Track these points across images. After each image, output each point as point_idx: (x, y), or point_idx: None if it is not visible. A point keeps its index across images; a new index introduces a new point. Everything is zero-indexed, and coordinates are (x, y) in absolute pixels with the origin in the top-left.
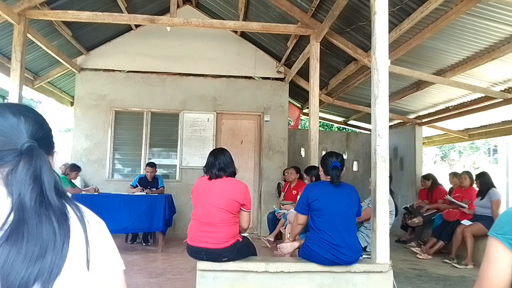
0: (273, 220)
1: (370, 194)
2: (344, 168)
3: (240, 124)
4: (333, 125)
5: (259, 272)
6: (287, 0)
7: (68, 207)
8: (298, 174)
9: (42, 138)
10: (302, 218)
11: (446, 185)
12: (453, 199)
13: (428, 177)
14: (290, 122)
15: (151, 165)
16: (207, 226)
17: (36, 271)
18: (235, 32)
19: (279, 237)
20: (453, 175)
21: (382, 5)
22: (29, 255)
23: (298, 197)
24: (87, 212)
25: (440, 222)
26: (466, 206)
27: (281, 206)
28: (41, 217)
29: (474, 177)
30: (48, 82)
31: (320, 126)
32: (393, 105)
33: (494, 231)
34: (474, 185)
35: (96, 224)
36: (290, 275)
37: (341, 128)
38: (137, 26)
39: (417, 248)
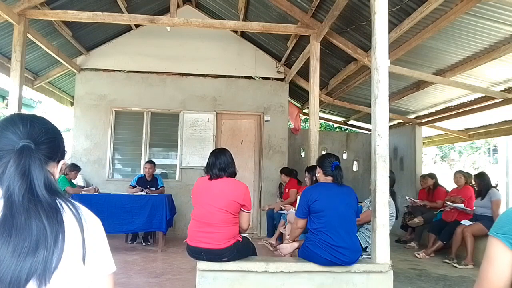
0: (272, 217)
1: (370, 194)
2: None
3: (240, 124)
4: (333, 125)
5: (259, 272)
6: (287, 0)
7: (63, 204)
8: (289, 177)
9: (44, 142)
10: (302, 222)
11: (445, 185)
12: (454, 204)
13: (432, 176)
14: (290, 124)
15: (150, 161)
16: (207, 226)
17: (28, 266)
18: (235, 32)
19: (280, 237)
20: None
21: (382, 5)
22: (18, 250)
23: (299, 198)
24: (84, 210)
25: (439, 218)
26: (462, 205)
27: (281, 207)
28: (30, 213)
29: (467, 176)
30: (48, 82)
31: (324, 126)
32: (393, 105)
33: (495, 231)
34: (470, 184)
35: (93, 222)
36: (290, 275)
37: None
38: (137, 26)
39: (419, 253)
